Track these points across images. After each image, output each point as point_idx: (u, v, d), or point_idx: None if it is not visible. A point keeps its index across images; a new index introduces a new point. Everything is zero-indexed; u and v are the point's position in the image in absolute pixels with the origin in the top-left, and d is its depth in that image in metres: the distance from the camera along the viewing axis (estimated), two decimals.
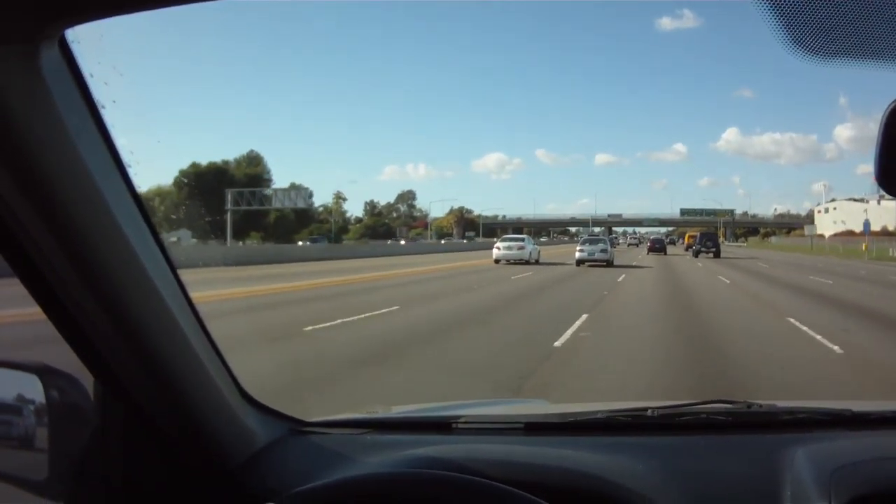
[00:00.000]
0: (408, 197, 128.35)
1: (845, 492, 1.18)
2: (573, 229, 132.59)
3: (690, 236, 67.20)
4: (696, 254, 47.25)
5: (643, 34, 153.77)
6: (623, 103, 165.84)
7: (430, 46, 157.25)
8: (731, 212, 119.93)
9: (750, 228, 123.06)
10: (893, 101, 1.12)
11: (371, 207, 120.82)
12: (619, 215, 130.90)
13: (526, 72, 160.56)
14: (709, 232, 54.94)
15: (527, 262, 32.30)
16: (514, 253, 33.01)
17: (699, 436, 1.54)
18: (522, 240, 35.46)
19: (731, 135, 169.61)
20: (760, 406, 1.64)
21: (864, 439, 1.53)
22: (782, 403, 1.74)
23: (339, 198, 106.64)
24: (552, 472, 1.31)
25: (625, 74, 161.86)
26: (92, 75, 1.02)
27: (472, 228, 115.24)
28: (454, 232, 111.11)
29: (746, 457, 1.42)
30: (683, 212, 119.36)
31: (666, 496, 1.27)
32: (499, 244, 34.75)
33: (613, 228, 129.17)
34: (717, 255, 46.37)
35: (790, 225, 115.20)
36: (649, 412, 1.59)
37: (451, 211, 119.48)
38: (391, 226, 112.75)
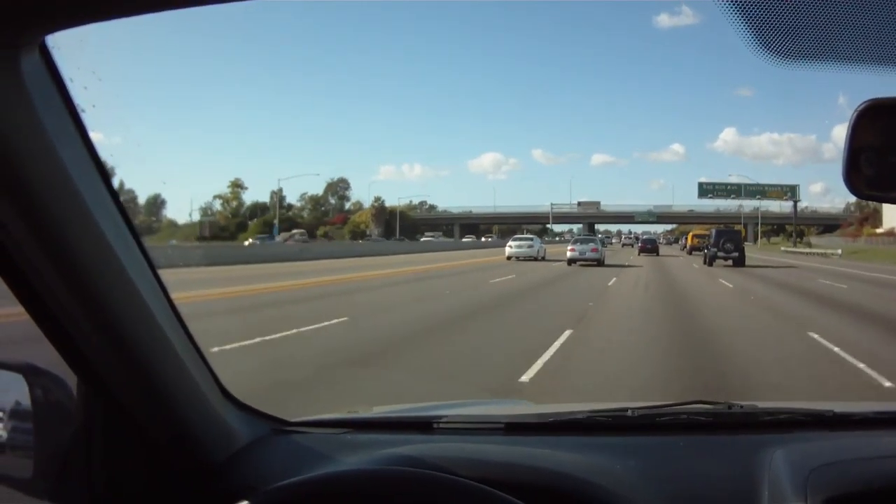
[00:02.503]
0: (338, 187, 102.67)
1: (821, 492, 1.19)
2: (559, 227, 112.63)
3: (696, 235, 52.55)
4: (711, 261, 33.18)
5: (641, 31, 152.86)
6: (620, 103, 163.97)
7: (425, 45, 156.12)
8: (795, 189, 79.72)
9: (775, 226, 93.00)
10: (860, 105, 1.14)
11: (310, 201, 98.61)
12: (596, 204, 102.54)
13: (522, 71, 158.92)
14: (729, 230, 39.04)
15: (534, 259, 36.43)
16: (525, 251, 37.59)
17: (679, 436, 1.54)
18: (531, 239, 40.36)
19: (728, 135, 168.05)
20: (741, 406, 1.64)
21: (844, 440, 1.53)
22: (763, 404, 1.75)
23: (237, 186, 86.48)
24: (530, 471, 1.32)
25: (622, 73, 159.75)
26: (72, 80, 1.04)
27: (401, 224, 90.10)
28: (372, 229, 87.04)
29: (726, 457, 1.42)
30: (705, 188, 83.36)
31: (643, 496, 1.27)
32: (511, 243, 39.59)
33: (600, 227, 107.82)
34: (739, 261, 32.67)
35: (833, 221, 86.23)
36: (629, 412, 1.59)
37: (374, 204, 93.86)
38: (298, 222, 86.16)
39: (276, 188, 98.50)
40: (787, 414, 1.62)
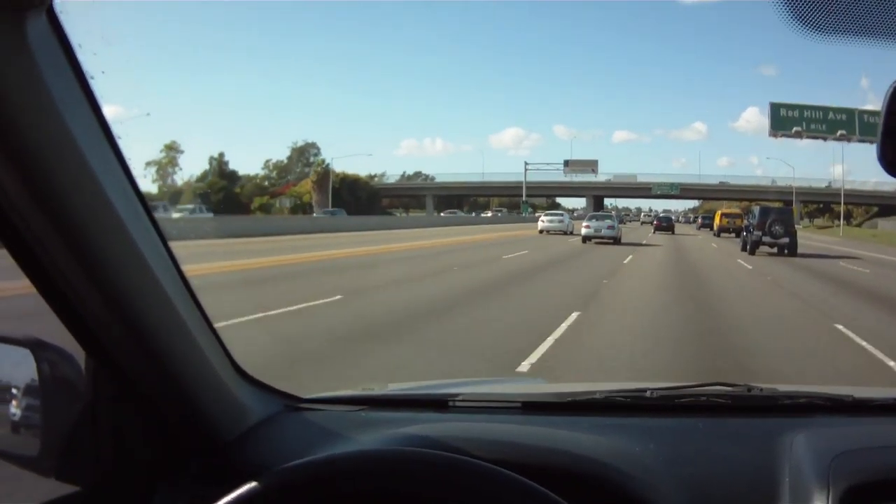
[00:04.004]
0: (304, 151, 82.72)
1: (844, 479, 1.17)
2: (570, 203, 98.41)
3: (726, 214, 45.47)
4: (753, 248, 25.89)
5: (665, 7, 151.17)
6: (643, 79, 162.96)
7: (448, 20, 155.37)
8: None
9: (821, 204, 79.82)
10: (894, 84, 1.11)
11: (274, 168, 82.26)
12: (592, 163, 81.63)
13: (545, 46, 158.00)
14: (777, 208, 30.51)
15: (564, 233, 39.44)
16: (556, 225, 41.23)
17: (698, 418, 1.52)
18: (561, 215, 45.25)
19: (751, 115, 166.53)
20: (761, 390, 1.62)
21: (865, 426, 1.51)
22: (783, 387, 1.73)
23: (171, 149, 71.23)
24: (547, 452, 1.30)
25: (645, 50, 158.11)
26: (80, 46, 1.01)
27: (355, 195, 71.95)
28: (315, 201, 67.51)
29: (745, 441, 1.40)
30: (784, 116, 63.34)
31: (661, 478, 1.26)
32: (543, 218, 43.70)
33: (610, 203, 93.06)
34: (789, 249, 25.41)
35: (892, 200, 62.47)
36: (648, 393, 1.58)
37: (316, 170, 72.52)
38: (238, 193, 70.62)
39: (273, 158, 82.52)
40: (806, 398, 1.61)
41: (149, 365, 1.20)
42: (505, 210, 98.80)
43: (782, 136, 67.34)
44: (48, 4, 0.94)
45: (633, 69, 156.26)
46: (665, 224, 50.41)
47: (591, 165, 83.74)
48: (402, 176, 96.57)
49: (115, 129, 1.06)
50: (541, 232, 40.01)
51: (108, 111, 1.05)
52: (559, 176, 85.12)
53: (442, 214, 77.62)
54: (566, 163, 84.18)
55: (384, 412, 1.59)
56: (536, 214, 76.92)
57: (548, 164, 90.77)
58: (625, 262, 21.19)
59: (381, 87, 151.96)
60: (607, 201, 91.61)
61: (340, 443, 1.36)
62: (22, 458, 1.24)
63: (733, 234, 40.81)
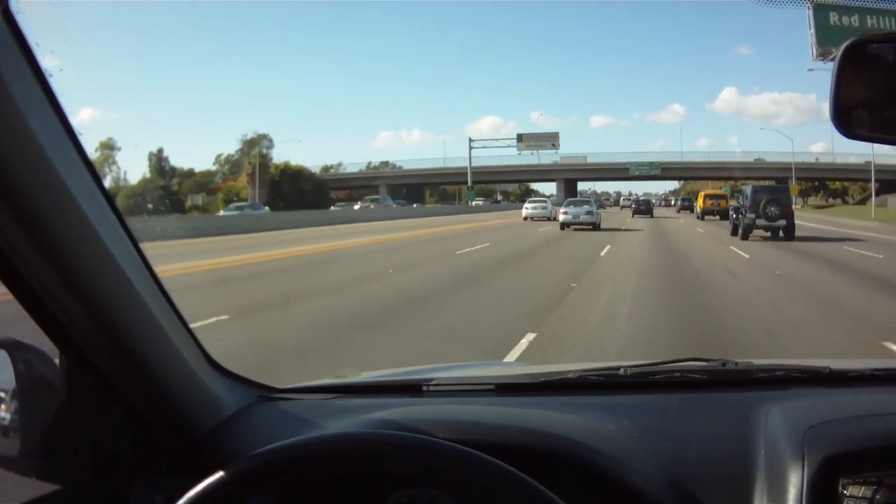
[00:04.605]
0: (256, 144, 72.97)
1: (819, 450, 1.17)
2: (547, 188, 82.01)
3: (710, 196, 43.78)
4: (746, 232, 23.63)
5: None
6: (619, 62, 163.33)
7: (422, 9, 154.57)
8: None
9: (816, 182, 72.56)
10: (846, 43, 1.12)
11: (225, 163, 74.11)
12: (553, 137, 69.53)
13: (521, 34, 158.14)
14: (772, 186, 29.36)
15: (547, 219, 39.31)
16: (539, 212, 41.70)
17: (672, 394, 1.52)
18: (545, 202, 45.77)
19: (728, 94, 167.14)
20: (736, 364, 1.62)
21: (842, 397, 1.51)
22: (759, 361, 1.73)
23: (107, 147, 61.96)
24: (520, 432, 1.30)
25: (620, 32, 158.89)
26: (38, 45, 1.01)
27: (299, 188, 64.95)
28: (249, 196, 59.79)
29: (720, 415, 1.40)
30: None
31: (635, 454, 1.26)
32: (527, 205, 44.47)
33: (586, 188, 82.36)
34: (787, 233, 23.40)
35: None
36: (622, 371, 1.58)
37: (250, 161, 65.61)
38: (177, 191, 64.36)
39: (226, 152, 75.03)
40: (782, 371, 1.60)
41: (121, 360, 1.21)
42: (481, 199, 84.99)
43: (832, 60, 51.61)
44: (4, 4, 0.94)
45: (610, 53, 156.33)
46: (643, 207, 50.49)
47: (552, 139, 70.23)
48: (368, 166, 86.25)
49: (76, 125, 1.07)
50: (525, 219, 40.50)
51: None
52: (520, 159, 73.03)
53: (393, 206, 65.83)
54: (520, 137, 70.51)
55: (358, 399, 1.60)
56: (475, 203, 68.23)
57: (497, 140, 68.47)
58: (601, 254, 18.26)
59: (356, 76, 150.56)
60: (584, 186, 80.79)
61: (313, 430, 1.36)
62: (2, 459, 1.24)
63: (718, 217, 39.23)
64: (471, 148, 70.02)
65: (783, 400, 1.41)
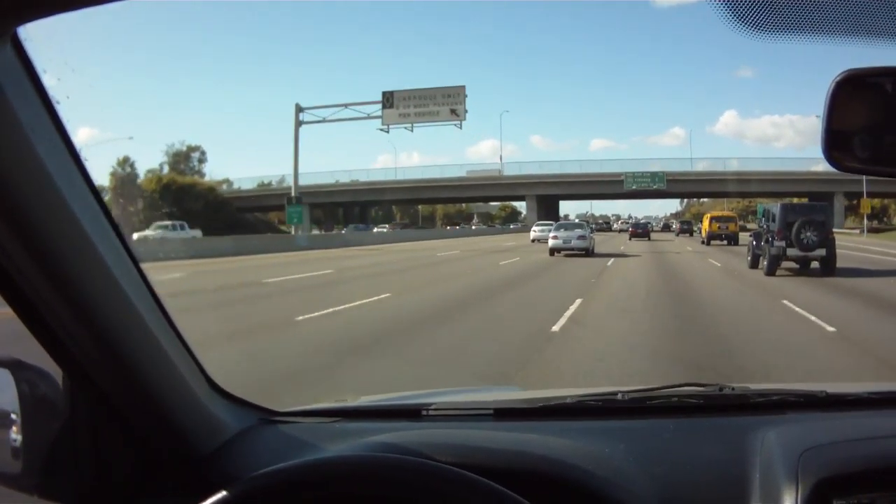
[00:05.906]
0: (187, 157, 65.07)
1: (813, 473, 1.18)
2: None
3: (717, 219, 37.44)
4: (772, 266, 17.38)
5: (640, 10, 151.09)
6: (620, 87, 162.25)
7: (422, 29, 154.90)
8: None
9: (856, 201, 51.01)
10: (837, 76, 1.14)
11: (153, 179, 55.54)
12: (455, 91, 40.83)
13: (521, 56, 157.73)
14: (806, 205, 23.03)
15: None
16: (547, 234, 38.06)
17: (669, 419, 1.53)
18: (551, 225, 41.56)
19: (729, 118, 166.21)
20: (733, 389, 1.63)
21: (837, 421, 1.51)
22: (756, 385, 1.74)
23: None
24: (517, 456, 1.31)
25: (622, 56, 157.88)
26: (45, 72, 1.04)
27: (184, 207, 49.84)
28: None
29: (717, 439, 1.41)
30: None
31: (631, 478, 1.26)
32: (535, 228, 43.36)
33: (571, 210, 71.95)
34: (826, 266, 17.36)
35: None
36: (619, 396, 1.59)
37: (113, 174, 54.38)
38: None
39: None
40: (778, 395, 1.61)
41: (124, 382, 1.23)
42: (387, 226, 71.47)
43: None
44: (12, 32, 0.97)
45: (610, 77, 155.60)
46: (640, 231, 48.51)
47: (452, 97, 42.49)
48: (336, 183, 67.03)
49: (82, 152, 1.09)
50: (533, 241, 40.16)
51: None
52: (480, 171, 55.83)
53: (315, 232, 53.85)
54: (386, 99, 42.27)
55: (358, 422, 1.61)
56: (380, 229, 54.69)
57: (341, 105, 41.21)
58: (571, 307, 11.12)
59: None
60: (573, 206, 65.20)
61: (314, 453, 1.37)
62: (5, 477, 1.26)
63: (725, 242, 35.04)
64: (299, 123, 42.41)
65: (779, 424, 1.42)
